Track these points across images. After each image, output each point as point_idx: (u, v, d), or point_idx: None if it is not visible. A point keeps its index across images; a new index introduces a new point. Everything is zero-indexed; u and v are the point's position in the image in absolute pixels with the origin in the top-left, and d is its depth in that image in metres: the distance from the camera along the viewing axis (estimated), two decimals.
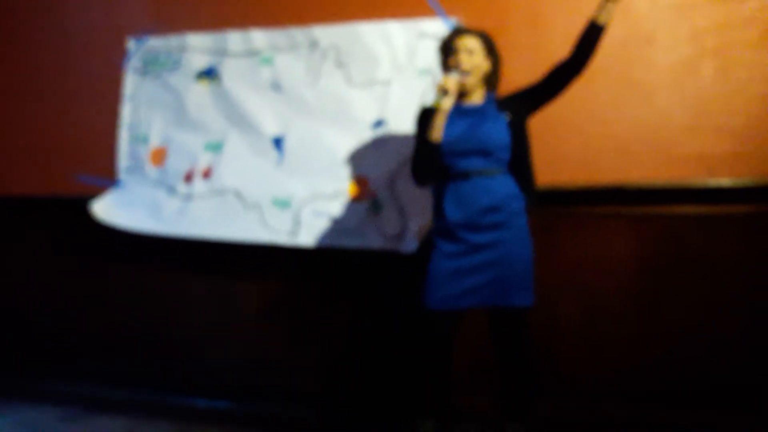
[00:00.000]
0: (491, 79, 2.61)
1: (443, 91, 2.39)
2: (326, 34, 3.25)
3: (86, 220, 3.45)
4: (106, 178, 3.58)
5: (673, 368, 2.90)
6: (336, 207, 3.18)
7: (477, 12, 3.05)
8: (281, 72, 3.31)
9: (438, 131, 2.44)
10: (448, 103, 2.41)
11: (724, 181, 2.82)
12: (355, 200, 3.16)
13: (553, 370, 3.02)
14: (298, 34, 3.29)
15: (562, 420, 2.95)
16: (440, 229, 2.54)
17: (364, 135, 3.15)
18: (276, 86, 3.32)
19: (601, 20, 2.40)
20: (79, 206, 3.50)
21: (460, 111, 2.55)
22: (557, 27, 3.01)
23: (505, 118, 2.51)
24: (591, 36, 2.42)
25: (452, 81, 2.42)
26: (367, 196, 3.15)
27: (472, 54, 2.51)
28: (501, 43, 2.99)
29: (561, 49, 2.96)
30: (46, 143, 3.78)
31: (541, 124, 2.99)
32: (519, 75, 3.01)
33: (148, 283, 3.61)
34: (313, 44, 3.27)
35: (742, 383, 2.84)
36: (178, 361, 3.58)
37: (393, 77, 3.15)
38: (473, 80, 2.52)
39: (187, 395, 3.45)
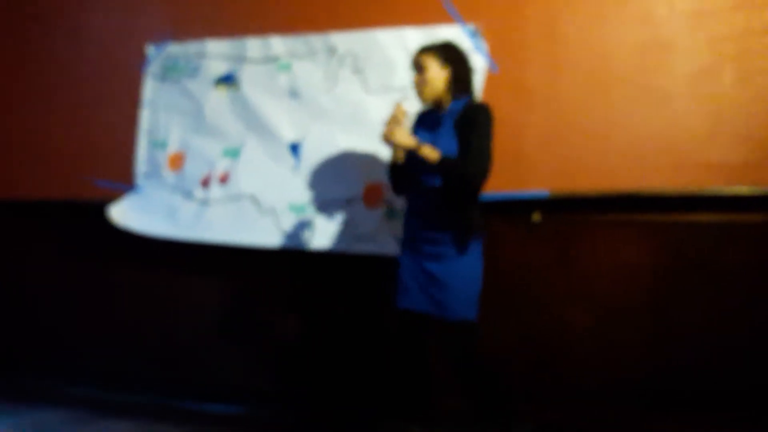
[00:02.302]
0: (458, 86, 2.59)
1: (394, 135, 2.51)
2: (344, 40, 3.27)
3: (102, 224, 3.48)
4: (124, 183, 3.61)
5: (687, 376, 2.88)
6: (351, 213, 3.19)
7: (494, 18, 3.07)
8: (299, 78, 3.34)
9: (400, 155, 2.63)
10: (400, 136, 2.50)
11: (742, 189, 2.80)
12: (371, 206, 3.17)
13: (564, 376, 3.01)
14: (316, 40, 3.32)
15: (573, 426, 2.93)
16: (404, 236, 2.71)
17: (380, 141, 3.15)
18: (294, 92, 3.35)
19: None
20: (92, 210, 3.54)
21: (425, 121, 2.68)
22: (573, 33, 3.02)
23: (455, 135, 2.52)
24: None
25: (400, 110, 2.54)
26: (383, 202, 3.15)
27: (427, 70, 2.56)
28: (517, 49, 3.03)
29: (576, 55, 3.02)
30: (64, 148, 3.82)
31: (557, 130, 3.02)
32: (537, 79, 3.05)
33: (158, 286, 3.63)
34: (331, 51, 3.29)
35: (755, 390, 2.81)
36: (186, 366, 3.60)
37: (410, 84, 3.15)
38: (430, 93, 2.58)
39: (196, 399, 3.46)
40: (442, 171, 2.47)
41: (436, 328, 2.60)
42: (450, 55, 2.58)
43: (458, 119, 2.51)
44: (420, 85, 2.60)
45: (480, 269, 2.55)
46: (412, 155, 2.53)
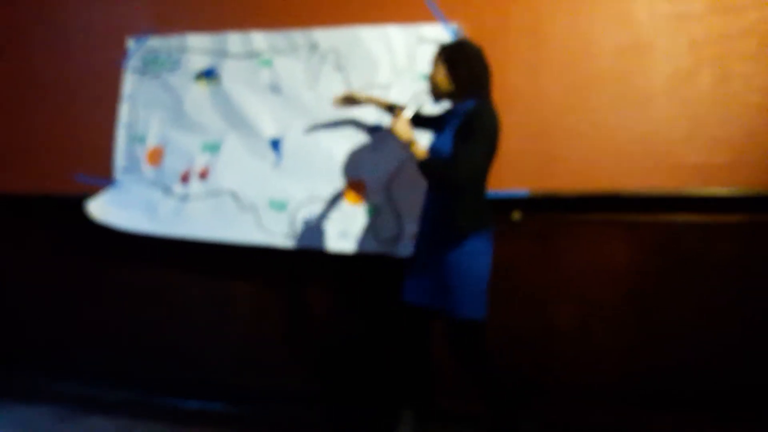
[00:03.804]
0: (460, 87, 2.57)
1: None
2: (326, 37, 3.26)
3: (83, 220, 3.44)
4: (104, 178, 3.57)
5: (669, 373, 2.91)
6: (332, 210, 3.18)
7: (477, 17, 3.07)
8: (280, 74, 3.32)
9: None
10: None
11: (720, 190, 2.84)
12: (352, 204, 3.16)
13: (549, 375, 3.03)
14: (298, 36, 3.30)
15: (559, 424, 2.95)
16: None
17: (362, 138, 3.16)
18: (275, 88, 3.33)
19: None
20: (77, 205, 3.49)
21: (443, 119, 2.69)
22: (555, 34, 3.03)
23: (453, 137, 2.51)
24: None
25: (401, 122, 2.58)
26: (364, 199, 3.15)
27: (433, 68, 2.61)
28: (501, 48, 3.04)
29: (557, 55, 3.03)
30: (45, 142, 3.77)
31: (538, 129, 3.03)
32: (519, 79, 3.06)
33: (144, 283, 3.60)
34: (313, 47, 3.28)
35: (737, 387, 2.85)
36: (172, 362, 3.57)
37: (392, 81, 3.15)
38: (433, 91, 2.62)
39: (181, 396, 3.43)
40: (424, 170, 2.51)
41: (443, 325, 2.58)
42: (453, 55, 2.56)
43: (460, 123, 2.49)
44: (428, 83, 2.64)
45: (483, 266, 2.52)
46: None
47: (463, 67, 2.54)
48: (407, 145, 2.54)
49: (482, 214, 2.54)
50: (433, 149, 2.56)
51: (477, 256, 2.50)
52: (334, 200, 3.18)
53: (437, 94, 2.62)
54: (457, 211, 2.49)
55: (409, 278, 2.67)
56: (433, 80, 2.61)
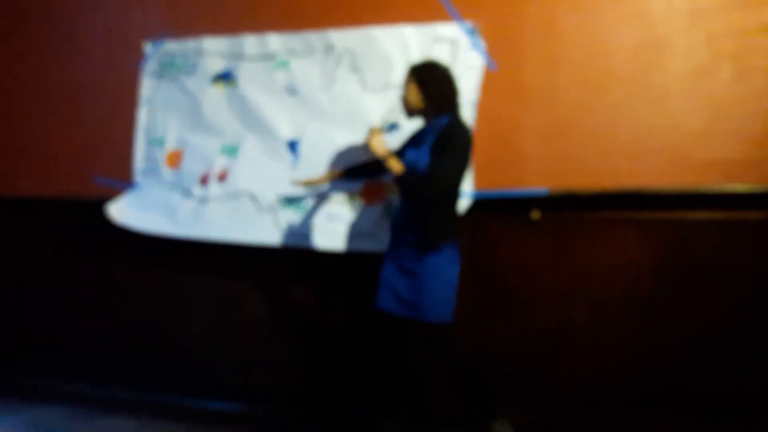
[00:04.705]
0: (432, 105, 2.66)
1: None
2: (341, 38, 3.26)
3: (100, 222, 3.48)
4: (122, 180, 3.61)
5: (685, 375, 2.90)
6: (349, 211, 3.19)
7: (492, 16, 3.06)
8: (297, 76, 3.33)
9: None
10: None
11: (740, 187, 2.81)
12: (369, 203, 3.18)
13: (562, 375, 3.03)
14: (314, 38, 3.30)
15: (571, 426, 2.96)
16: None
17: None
18: (291, 90, 3.34)
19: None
20: (94, 208, 3.54)
21: (416, 136, 2.80)
22: (571, 31, 3.02)
23: (427, 150, 2.61)
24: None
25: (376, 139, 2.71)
26: (380, 200, 3.16)
27: (404, 87, 2.71)
28: (515, 47, 3.03)
29: (574, 53, 3.01)
30: (63, 145, 3.81)
31: (555, 128, 3.02)
32: (533, 78, 3.05)
33: (157, 285, 3.65)
34: (329, 48, 3.28)
35: (755, 389, 2.83)
36: (185, 363, 3.61)
37: None
38: (405, 109, 2.72)
39: (195, 397, 3.46)
40: (400, 184, 2.61)
41: (417, 330, 2.69)
42: (424, 74, 2.66)
43: (435, 138, 2.59)
44: (401, 101, 2.74)
45: (454, 273, 2.64)
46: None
47: (432, 86, 2.65)
48: (384, 160, 2.64)
49: (453, 225, 2.65)
50: (410, 163, 2.65)
51: (448, 264, 2.62)
52: (351, 200, 3.19)
53: (410, 112, 2.72)
54: (430, 222, 2.60)
55: (382, 286, 2.75)
56: (405, 98, 2.71)
